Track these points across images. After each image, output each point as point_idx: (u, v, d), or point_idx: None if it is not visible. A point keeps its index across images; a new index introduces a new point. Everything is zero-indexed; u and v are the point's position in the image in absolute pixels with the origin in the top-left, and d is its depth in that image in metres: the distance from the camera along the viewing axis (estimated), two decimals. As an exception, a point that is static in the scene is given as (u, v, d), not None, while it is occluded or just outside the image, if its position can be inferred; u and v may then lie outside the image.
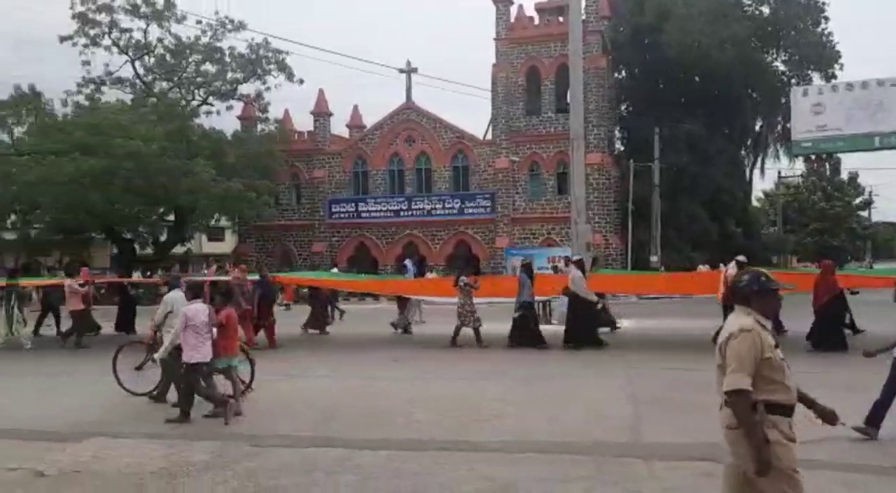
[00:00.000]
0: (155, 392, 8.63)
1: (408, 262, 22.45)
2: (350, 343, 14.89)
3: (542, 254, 27.80)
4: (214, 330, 7.80)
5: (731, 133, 38.93)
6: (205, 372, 7.69)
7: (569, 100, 22.55)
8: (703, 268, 21.96)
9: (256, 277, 14.95)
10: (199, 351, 7.56)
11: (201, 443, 6.57)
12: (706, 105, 35.85)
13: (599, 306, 13.78)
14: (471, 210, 32.56)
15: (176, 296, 8.43)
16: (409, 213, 33.17)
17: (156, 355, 8.01)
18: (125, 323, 16.24)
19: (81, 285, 14.50)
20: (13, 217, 29.69)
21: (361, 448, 6.33)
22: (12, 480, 5.58)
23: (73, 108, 31.76)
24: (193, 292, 8.15)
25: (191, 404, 7.65)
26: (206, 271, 23.04)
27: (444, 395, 8.87)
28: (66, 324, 15.26)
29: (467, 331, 13.30)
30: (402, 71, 33.81)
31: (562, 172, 30.57)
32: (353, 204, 34.08)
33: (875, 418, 6.24)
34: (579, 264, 13.62)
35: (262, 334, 13.80)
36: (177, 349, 7.66)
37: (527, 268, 13.89)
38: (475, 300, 13.65)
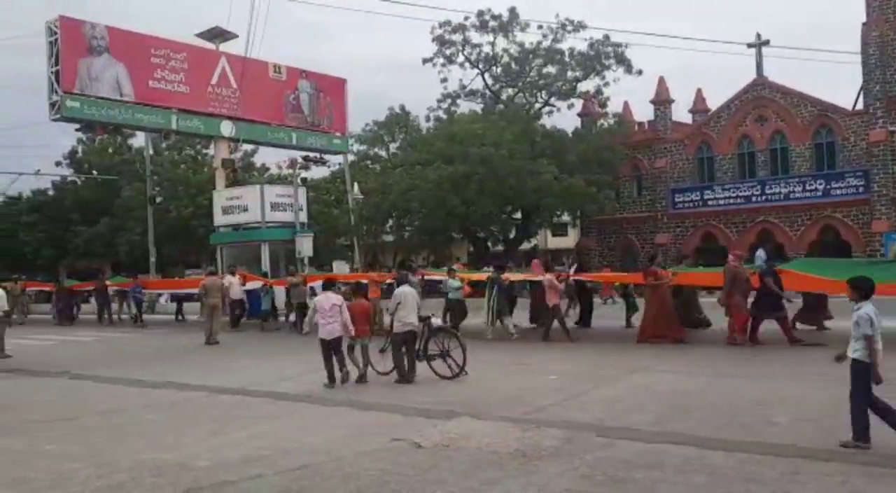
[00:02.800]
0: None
1: (760, 251, 20.71)
2: (700, 338, 14.28)
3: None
4: (347, 315, 9.90)
5: None
6: (333, 345, 9.93)
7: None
8: None
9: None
10: (324, 329, 9.87)
11: (552, 430, 6.89)
12: None
13: None
14: (838, 191, 28.83)
15: (405, 290, 10.35)
16: (763, 198, 30.55)
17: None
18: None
19: (560, 281, 15.08)
20: (390, 222, 34.31)
21: (713, 448, 6.05)
22: (396, 448, 6.49)
23: (434, 122, 35.75)
24: (325, 285, 10.72)
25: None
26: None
27: (803, 396, 8.04)
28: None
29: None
30: (750, 45, 31.30)
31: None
32: (698, 192, 32.54)
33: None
34: None
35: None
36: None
37: None
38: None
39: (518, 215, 33.96)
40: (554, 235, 42.29)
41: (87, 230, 42.68)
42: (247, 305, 21.58)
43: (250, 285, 21.42)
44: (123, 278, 28.21)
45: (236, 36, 30.16)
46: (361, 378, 10.12)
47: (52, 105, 26.39)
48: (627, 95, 36.98)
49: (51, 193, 48.11)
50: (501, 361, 11.99)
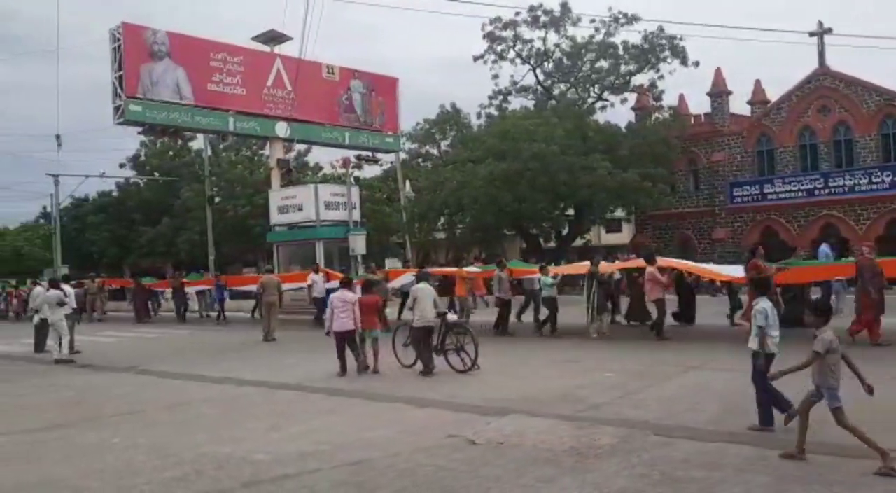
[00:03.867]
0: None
1: (824, 246, 20.02)
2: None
3: None
4: (357, 309, 10.86)
5: None
6: (346, 338, 10.86)
7: None
8: None
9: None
10: (337, 322, 10.83)
11: (608, 428, 6.83)
12: None
13: None
14: (907, 183, 27.73)
15: (422, 287, 11.02)
16: (826, 191, 29.55)
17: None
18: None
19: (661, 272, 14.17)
20: (442, 220, 34.42)
21: (774, 448, 5.90)
22: (450, 444, 6.52)
23: (485, 119, 35.71)
24: (342, 283, 11.60)
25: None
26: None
27: (880, 398, 7.74)
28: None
29: None
30: (812, 34, 30.30)
31: None
32: (757, 186, 31.67)
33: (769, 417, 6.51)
34: None
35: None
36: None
37: None
38: None
39: (571, 212, 33.66)
40: (608, 231, 41.73)
41: (149, 230, 44.12)
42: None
43: (334, 283, 21.19)
44: (200, 275, 28.63)
45: (291, 38, 30.73)
46: (367, 368, 11.06)
47: (116, 109, 27.29)
48: (683, 88, 36.38)
49: (115, 194, 49.86)
50: (557, 358, 11.92)
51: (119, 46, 26.92)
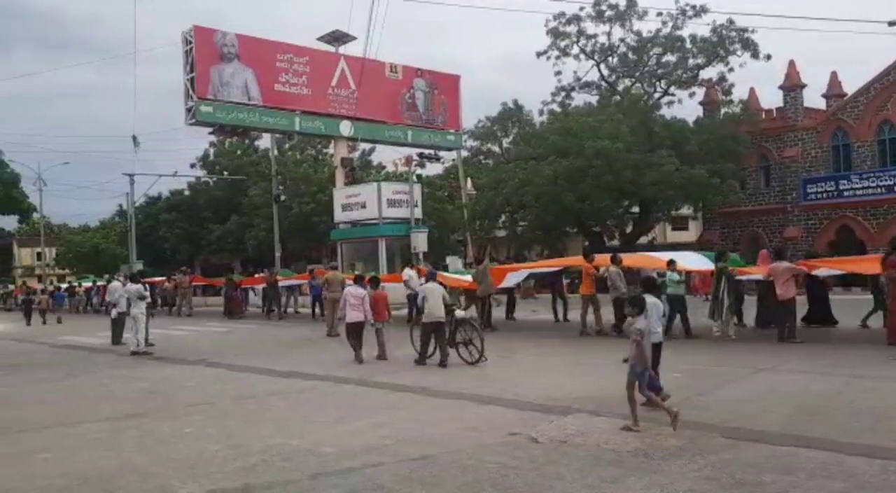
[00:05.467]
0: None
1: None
2: (832, 336, 13.42)
3: None
4: (367, 302, 12.26)
5: None
6: (357, 328, 12.20)
7: None
8: None
9: None
10: (350, 315, 12.21)
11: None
12: None
13: None
14: None
15: (430, 286, 11.84)
16: (907, 188, 28.28)
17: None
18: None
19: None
20: (503, 217, 34.33)
21: (850, 453, 5.68)
22: (513, 442, 6.51)
23: (547, 116, 35.43)
24: (355, 280, 13.18)
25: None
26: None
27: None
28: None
29: None
30: (891, 23, 28.91)
31: None
32: (832, 182, 30.49)
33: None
34: None
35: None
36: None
37: None
38: None
39: (635, 209, 33.11)
40: (674, 228, 40.90)
41: (218, 228, 45.44)
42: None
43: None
44: (291, 272, 28.64)
45: (355, 38, 31.22)
46: (381, 357, 12.32)
47: (188, 110, 28.21)
48: (754, 82, 35.19)
49: (186, 193, 51.53)
50: (622, 357, 11.73)
51: (191, 49, 27.81)
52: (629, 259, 16.07)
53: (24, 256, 79.59)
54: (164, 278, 31.67)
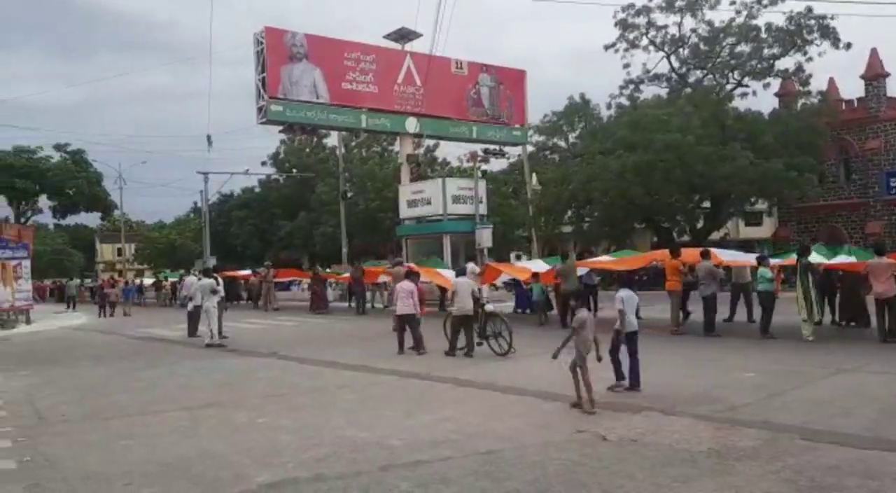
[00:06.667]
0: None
1: None
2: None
3: None
4: (415, 296, 12.88)
5: None
6: (407, 320, 12.79)
7: None
8: None
9: None
10: (400, 307, 12.79)
11: (749, 430, 6.51)
12: None
13: None
14: None
15: (460, 280, 12.62)
16: None
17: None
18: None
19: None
20: (569, 213, 33.96)
21: (941, 461, 5.41)
22: (581, 440, 6.45)
23: (615, 109, 34.84)
24: (406, 275, 13.84)
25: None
26: None
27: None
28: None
29: None
30: (985, 6, 27.33)
31: None
32: (918, 176, 29.04)
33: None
34: None
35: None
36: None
37: None
38: None
39: (707, 204, 32.24)
40: (747, 224, 39.68)
41: (288, 224, 46.54)
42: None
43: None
44: (376, 263, 28.60)
45: (420, 35, 31.36)
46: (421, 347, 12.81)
47: (259, 109, 28.95)
48: (833, 71, 33.83)
49: (257, 190, 52.94)
50: (695, 356, 11.49)
51: (262, 50, 28.52)
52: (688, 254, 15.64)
53: (105, 251, 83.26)
54: (248, 272, 32.48)
